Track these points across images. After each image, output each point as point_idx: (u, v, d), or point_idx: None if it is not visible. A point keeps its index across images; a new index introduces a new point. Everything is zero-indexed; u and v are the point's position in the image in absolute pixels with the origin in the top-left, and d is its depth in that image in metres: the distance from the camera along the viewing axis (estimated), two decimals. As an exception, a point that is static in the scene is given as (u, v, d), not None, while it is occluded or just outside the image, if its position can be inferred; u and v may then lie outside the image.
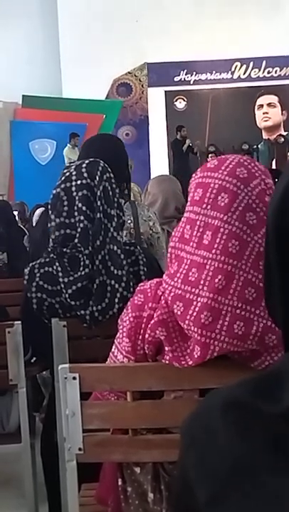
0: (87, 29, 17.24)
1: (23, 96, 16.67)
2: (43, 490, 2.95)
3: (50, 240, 2.57)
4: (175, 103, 18.48)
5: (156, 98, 18.30)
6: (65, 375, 1.74)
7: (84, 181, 2.52)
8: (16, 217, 7.54)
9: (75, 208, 2.50)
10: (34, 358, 3.04)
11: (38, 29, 18.17)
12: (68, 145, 15.62)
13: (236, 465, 0.69)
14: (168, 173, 13.38)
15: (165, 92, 18.41)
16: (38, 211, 7.72)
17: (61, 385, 1.75)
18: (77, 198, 2.50)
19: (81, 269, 2.48)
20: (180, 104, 18.51)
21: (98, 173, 2.53)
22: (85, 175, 2.52)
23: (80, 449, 1.76)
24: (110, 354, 1.80)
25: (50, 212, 2.60)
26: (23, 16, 17.83)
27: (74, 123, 15.94)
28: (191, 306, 1.58)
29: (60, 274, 2.49)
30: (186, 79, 18.35)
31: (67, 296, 2.48)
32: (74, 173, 2.54)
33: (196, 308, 1.57)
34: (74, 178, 2.53)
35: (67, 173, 2.56)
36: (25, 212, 9.59)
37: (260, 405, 0.72)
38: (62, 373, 1.74)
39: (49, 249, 2.58)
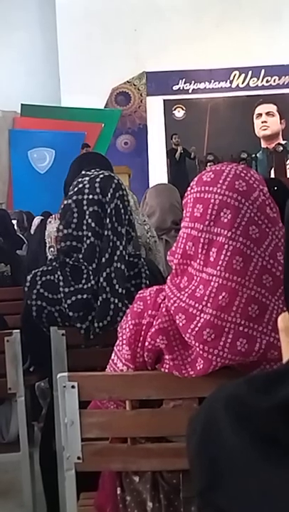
0: (86, 38, 17.28)
1: (22, 105, 16.68)
2: (42, 499, 2.94)
3: (56, 249, 2.56)
4: (174, 112, 18.50)
5: (154, 107, 18.33)
6: (63, 384, 1.74)
7: (96, 197, 2.50)
8: (15, 226, 7.55)
9: (84, 222, 2.49)
10: (32, 367, 3.04)
11: (36, 38, 18.22)
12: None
13: (233, 455, 0.72)
14: (166, 182, 13.39)
15: (164, 100, 18.44)
16: (36, 220, 7.74)
17: (60, 393, 1.75)
18: (87, 212, 2.49)
19: (83, 281, 2.47)
20: (179, 113, 18.53)
21: (111, 190, 2.52)
22: (98, 190, 2.51)
23: (78, 458, 1.75)
24: (110, 361, 1.80)
25: (59, 221, 2.60)
26: (22, 25, 17.89)
27: (73, 132, 15.96)
28: (193, 321, 1.58)
29: (62, 283, 2.49)
30: (185, 88, 18.38)
31: (66, 306, 2.48)
32: (87, 186, 2.53)
33: (199, 324, 1.57)
34: (86, 191, 2.52)
35: (81, 185, 2.54)
36: (24, 221, 9.61)
37: (258, 399, 0.74)
38: (61, 382, 1.74)
39: (52, 256, 2.58)
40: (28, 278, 2.56)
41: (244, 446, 0.71)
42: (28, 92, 16.82)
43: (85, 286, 2.46)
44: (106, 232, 2.47)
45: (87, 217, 2.49)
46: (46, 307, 2.52)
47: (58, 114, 16.69)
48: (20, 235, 7.59)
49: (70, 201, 2.53)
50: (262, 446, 0.71)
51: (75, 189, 2.55)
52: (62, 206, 2.57)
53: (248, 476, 0.69)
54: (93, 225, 2.48)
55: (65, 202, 2.55)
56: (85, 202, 2.50)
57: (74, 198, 2.53)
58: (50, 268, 2.55)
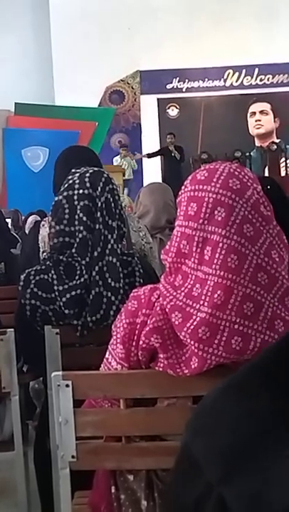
0: (80, 37, 17.26)
1: (16, 104, 16.62)
2: (36, 498, 2.94)
3: (48, 246, 2.56)
4: (168, 110, 18.50)
5: (148, 106, 18.32)
6: (58, 383, 1.74)
7: (86, 191, 2.51)
8: (9, 225, 7.53)
9: (76, 217, 2.50)
10: (26, 367, 3.04)
11: (30, 37, 18.19)
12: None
13: (246, 441, 0.71)
14: (160, 181, 13.39)
15: (158, 99, 18.43)
16: (31, 219, 7.72)
17: (54, 392, 1.75)
18: (78, 207, 2.50)
19: (76, 277, 2.47)
20: (173, 111, 18.53)
21: (101, 183, 2.53)
22: (88, 185, 2.52)
23: (73, 457, 1.75)
24: (104, 360, 1.80)
25: (50, 218, 2.60)
26: (16, 24, 17.85)
27: (67, 130, 15.92)
28: (189, 320, 1.59)
29: (56, 281, 2.49)
30: (179, 86, 18.38)
31: (61, 304, 2.48)
32: (77, 181, 2.54)
33: (195, 323, 1.57)
34: (76, 186, 2.52)
35: (71, 181, 2.55)
36: (19, 219, 9.59)
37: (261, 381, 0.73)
38: (55, 381, 1.74)
39: (46, 256, 2.58)
40: (22, 277, 2.56)
41: (257, 432, 0.71)
42: (21, 91, 16.78)
43: (78, 282, 2.46)
44: (97, 226, 2.48)
45: (78, 211, 2.49)
46: (40, 306, 2.52)
47: (51, 112, 16.65)
48: (15, 234, 7.58)
49: (60, 197, 2.54)
50: (276, 430, 0.70)
51: (66, 185, 2.56)
52: (53, 203, 2.57)
53: (265, 462, 0.68)
54: (84, 219, 2.48)
55: (56, 199, 2.56)
56: (75, 197, 2.51)
57: (64, 194, 2.53)
58: (43, 267, 2.55)
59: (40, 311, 2.52)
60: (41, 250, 2.97)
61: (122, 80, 18.19)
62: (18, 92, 16.65)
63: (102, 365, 1.81)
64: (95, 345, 2.54)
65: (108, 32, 17.27)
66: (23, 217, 9.31)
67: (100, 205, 2.50)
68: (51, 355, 2.48)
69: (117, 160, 16.74)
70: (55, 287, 2.49)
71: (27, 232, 6.40)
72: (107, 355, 1.79)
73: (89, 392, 1.79)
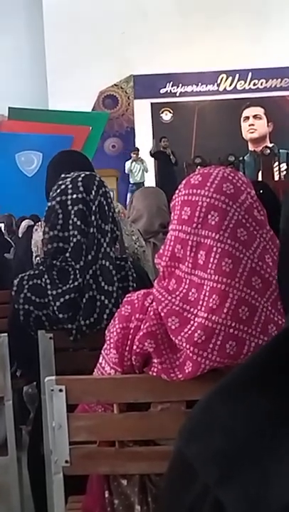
0: (73, 41, 17.29)
1: (10, 108, 16.64)
2: (30, 503, 2.93)
3: (42, 251, 2.56)
4: (161, 115, 18.54)
5: (142, 110, 18.37)
6: (51, 387, 1.73)
7: (80, 195, 2.50)
8: (2, 229, 7.53)
9: (70, 221, 2.49)
10: (19, 372, 3.03)
11: (24, 41, 18.22)
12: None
13: (241, 442, 0.69)
14: (154, 185, 13.39)
15: (151, 104, 18.48)
16: (24, 223, 7.73)
17: (47, 397, 1.74)
18: (72, 212, 2.49)
19: (70, 281, 2.47)
20: (166, 116, 18.58)
21: (94, 187, 2.52)
22: (81, 189, 2.51)
23: (66, 462, 1.75)
24: (97, 365, 1.80)
25: (44, 224, 2.59)
26: (10, 28, 17.87)
27: (60, 135, 15.92)
28: (187, 325, 1.59)
29: (49, 286, 2.48)
30: (172, 91, 18.43)
31: (55, 308, 2.47)
32: (70, 186, 2.53)
33: (192, 328, 1.58)
34: (70, 191, 2.52)
35: (63, 186, 2.55)
36: (12, 224, 9.60)
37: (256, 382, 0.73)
38: (49, 385, 1.74)
39: (39, 261, 2.57)
40: (15, 282, 2.55)
41: (254, 432, 0.69)
42: (15, 96, 16.79)
43: (72, 285, 2.46)
44: (91, 230, 2.47)
45: (72, 216, 2.49)
46: (33, 311, 2.51)
47: (45, 117, 16.67)
48: (8, 238, 7.58)
49: (54, 203, 2.53)
50: (275, 429, 0.69)
51: (58, 190, 2.54)
52: (46, 209, 2.57)
53: (263, 463, 0.67)
54: (79, 223, 2.48)
55: (49, 204, 2.55)
56: (69, 202, 2.50)
57: (58, 199, 2.53)
58: (36, 272, 2.55)
59: (33, 316, 2.52)
60: (34, 255, 2.96)
61: (115, 85, 18.23)
62: (12, 96, 16.67)
63: (95, 370, 1.81)
64: (88, 350, 2.54)
65: (102, 36, 17.30)
66: (16, 222, 9.32)
67: (93, 208, 2.49)
68: (45, 359, 2.48)
69: (128, 164, 16.84)
70: (49, 292, 2.48)
71: (20, 236, 6.40)
72: (100, 360, 1.79)
73: (82, 397, 1.78)
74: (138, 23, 17.44)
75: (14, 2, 18.26)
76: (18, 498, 2.83)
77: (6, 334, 2.64)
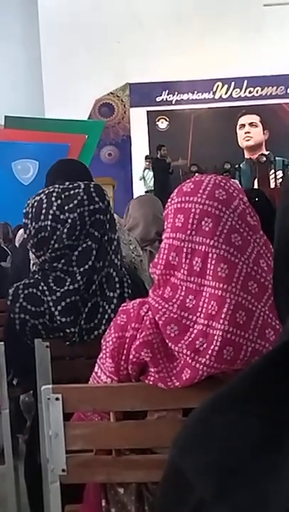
0: (69, 50, 17.32)
1: (6, 117, 16.62)
2: (27, 511, 2.93)
3: (41, 260, 2.55)
4: (157, 123, 18.57)
5: (138, 118, 18.39)
6: (48, 396, 1.73)
7: (96, 206, 2.52)
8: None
9: (84, 232, 2.49)
10: (16, 380, 3.03)
11: (20, 50, 18.24)
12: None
13: (237, 454, 0.69)
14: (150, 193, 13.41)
15: (147, 112, 18.51)
16: (21, 231, 7.72)
17: (44, 405, 1.74)
18: (89, 222, 2.50)
19: (68, 283, 2.47)
20: (162, 124, 18.61)
21: (106, 197, 2.55)
22: (97, 199, 2.53)
23: (63, 470, 1.75)
24: (93, 374, 1.80)
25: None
26: (6, 37, 17.91)
27: (56, 143, 15.92)
28: (187, 332, 1.59)
29: (47, 293, 2.49)
30: (168, 99, 18.47)
31: (56, 313, 2.47)
32: (85, 197, 2.53)
33: (192, 335, 1.58)
34: (86, 203, 2.52)
35: (79, 197, 2.53)
36: (9, 232, 9.59)
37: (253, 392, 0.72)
38: (45, 394, 1.74)
39: (35, 269, 2.57)
40: (11, 291, 2.55)
41: (250, 444, 0.68)
42: (11, 104, 16.80)
43: (71, 287, 2.46)
44: (104, 238, 2.50)
45: (88, 226, 2.49)
46: (30, 320, 2.51)
47: (41, 125, 16.66)
48: (5, 247, 7.58)
49: (71, 215, 2.51)
50: (270, 441, 0.68)
51: (75, 202, 2.53)
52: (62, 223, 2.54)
53: (260, 477, 0.66)
54: (96, 233, 2.49)
55: (63, 217, 2.52)
56: (86, 213, 2.50)
57: (78, 211, 2.51)
58: (32, 281, 2.55)
59: (29, 325, 2.52)
60: (32, 262, 2.96)
61: (111, 93, 18.26)
62: (8, 105, 16.68)
63: (91, 379, 1.81)
64: (84, 358, 2.54)
65: (97, 45, 17.35)
66: (12, 230, 9.31)
67: (108, 217, 2.52)
68: (41, 368, 2.48)
69: (140, 172, 16.91)
70: (48, 298, 2.48)
71: (17, 245, 6.40)
72: (96, 369, 1.78)
73: (79, 406, 1.78)
74: (134, 32, 17.48)
75: (11, 12, 18.30)
76: (15, 507, 2.83)
77: (2, 343, 2.64)
